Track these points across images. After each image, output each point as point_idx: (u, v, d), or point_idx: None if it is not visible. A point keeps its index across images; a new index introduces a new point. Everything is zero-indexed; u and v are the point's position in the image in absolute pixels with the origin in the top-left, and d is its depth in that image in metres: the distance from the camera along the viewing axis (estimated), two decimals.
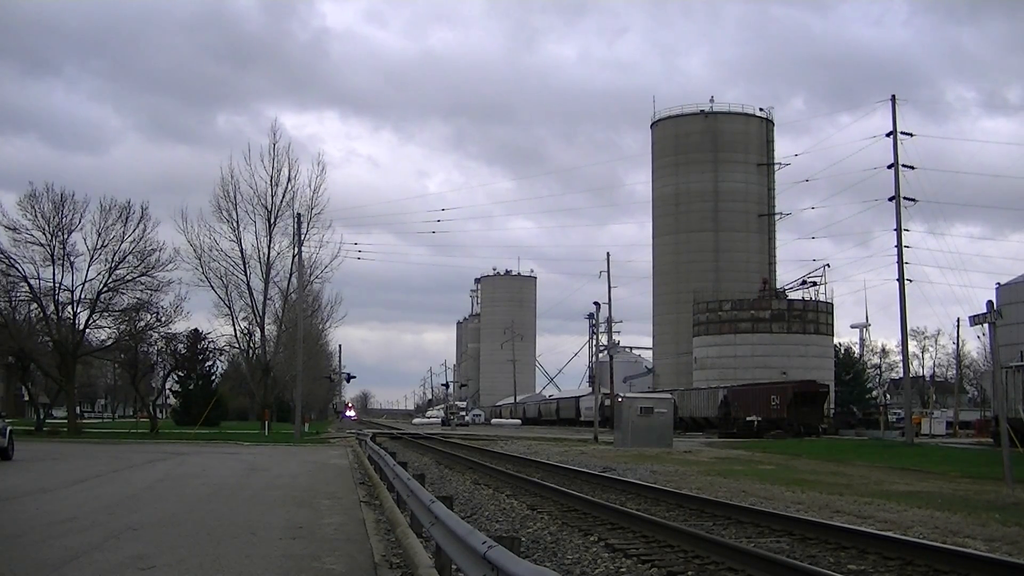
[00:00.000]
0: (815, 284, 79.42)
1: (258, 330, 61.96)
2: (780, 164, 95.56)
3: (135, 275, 50.60)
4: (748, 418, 57.66)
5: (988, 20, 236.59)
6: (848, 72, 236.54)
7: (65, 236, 49.07)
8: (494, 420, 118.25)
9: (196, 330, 72.13)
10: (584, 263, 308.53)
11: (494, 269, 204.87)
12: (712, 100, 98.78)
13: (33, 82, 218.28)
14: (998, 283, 54.40)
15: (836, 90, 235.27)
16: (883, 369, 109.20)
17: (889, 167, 48.45)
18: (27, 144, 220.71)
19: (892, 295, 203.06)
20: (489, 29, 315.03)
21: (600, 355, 74.46)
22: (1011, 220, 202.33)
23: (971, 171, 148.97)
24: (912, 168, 48.46)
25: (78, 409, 66.40)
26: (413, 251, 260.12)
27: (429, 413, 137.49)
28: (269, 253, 59.34)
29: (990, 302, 23.09)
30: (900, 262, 47.99)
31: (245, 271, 59.40)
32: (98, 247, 49.69)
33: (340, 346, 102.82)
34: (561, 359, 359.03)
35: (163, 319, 53.28)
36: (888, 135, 48.57)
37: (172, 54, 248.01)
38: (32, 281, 49.74)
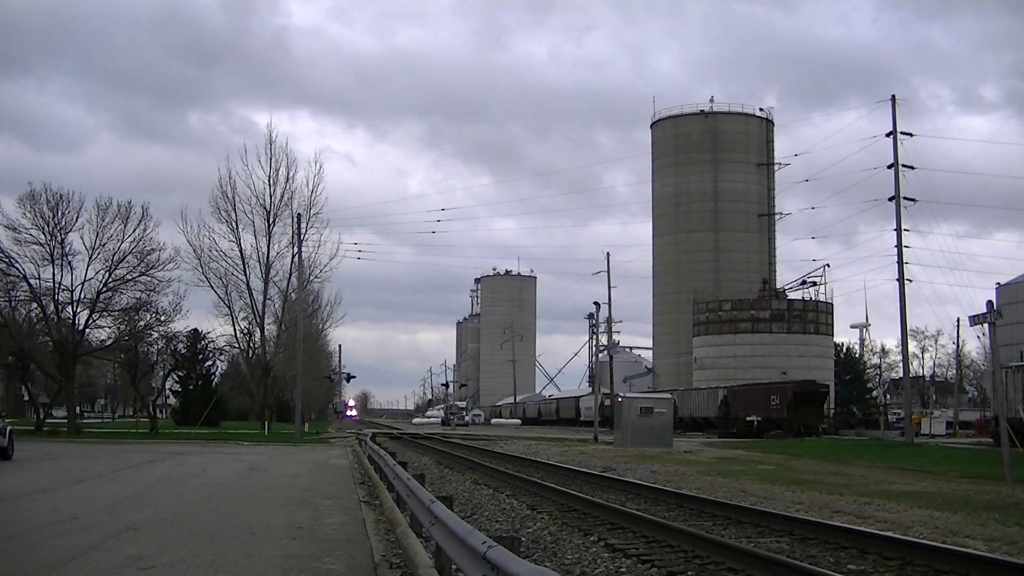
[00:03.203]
0: (815, 284, 79.50)
1: (258, 330, 62.06)
2: (780, 164, 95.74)
3: (135, 275, 50.62)
4: (748, 418, 57.65)
5: (957, 17, 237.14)
6: (819, 70, 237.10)
7: (63, 236, 49.12)
8: (494, 420, 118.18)
9: (196, 330, 72.14)
10: (569, 263, 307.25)
11: (494, 269, 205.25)
12: (712, 100, 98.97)
13: (6, 82, 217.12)
14: (998, 283, 54.44)
15: (809, 88, 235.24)
16: (883, 369, 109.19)
17: (889, 167, 48.45)
18: (5, 144, 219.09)
19: (881, 294, 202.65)
20: (457, 27, 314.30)
21: (600, 355, 74.44)
22: (996, 218, 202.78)
23: (950, 169, 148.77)
24: (912, 168, 48.50)
25: (78, 409, 66.36)
26: (402, 251, 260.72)
27: (429, 413, 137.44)
28: (268, 253, 59.43)
29: (990, 302, 23.08)
30: (900, 262, 47.99)
31: (244, 271, 59.49)
32: (96, 247, 49.75)
33: (340, 346, 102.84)
34: (552, 359, 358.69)
35: (163, 319, 53.34)
36: (888, 135, 48.58)
37: (138, 53, 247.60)
38: (32, 281, 49.79)
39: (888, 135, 48.54)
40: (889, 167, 48.41)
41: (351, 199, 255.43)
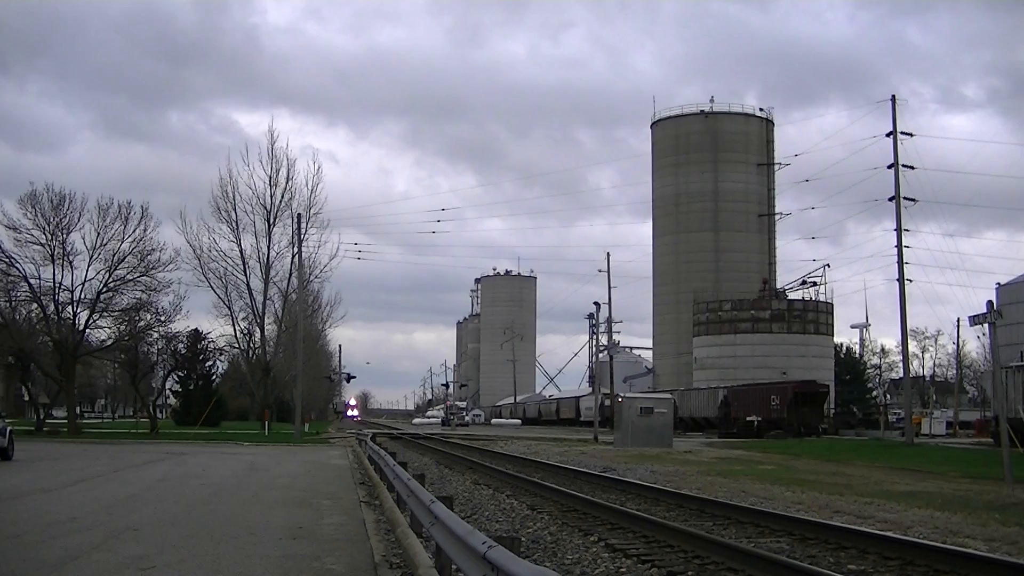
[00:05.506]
0: (815, 284, 79.55)
1: (258, 330, 62.07)
2: (780, 164, 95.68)
3: (135, 275, 50.63)
4: (748, 418, 57.65)
5: (933, 13, 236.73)
6: (799, 69, 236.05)
7: (64, 236, 49.13)
8: (494, 420, 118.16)
9: (196, 330, 72.15)
10: (560, 263, 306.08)
11: (494, 269, 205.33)
12: (712, 100, 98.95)
13: None
14: (998, 283, 54.47)
15: (790, 87, 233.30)
16: (883, 369, 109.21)
17: (889, 167, 48.45)
18: None
19: (875, 295, 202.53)
20: (433, 25, 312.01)
21: (600, 355, 74.45)
22: (986, 218, 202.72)
23: (939, 168, 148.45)
24: (912, 168, 48.48)
25: (78, 409, 66.38)
26: (392, 251, 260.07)
27: (429, 413, 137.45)
28: (268, 253, 59.43)
29: (990, 302, 23.09)
30: (900, 262, 47.97)
31: (245, 271, 59.50)
32: (97, 247, 49.77)
33: (340, 346, 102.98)
34: (551, 359, 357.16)
35: (163, 319, 53.36)
36: (888, 135, 48.59)
37: (111, 52, 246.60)
38: (32, 281, 49.82)
39: (888, 135, 48.55)
40: (889, 167, 48.40)
41: (336, 198, 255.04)
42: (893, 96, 48.77)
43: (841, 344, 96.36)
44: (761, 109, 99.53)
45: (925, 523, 15.04)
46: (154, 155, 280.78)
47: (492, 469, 25.89)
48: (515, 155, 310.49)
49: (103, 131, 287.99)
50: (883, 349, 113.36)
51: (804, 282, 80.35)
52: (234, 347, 66.75)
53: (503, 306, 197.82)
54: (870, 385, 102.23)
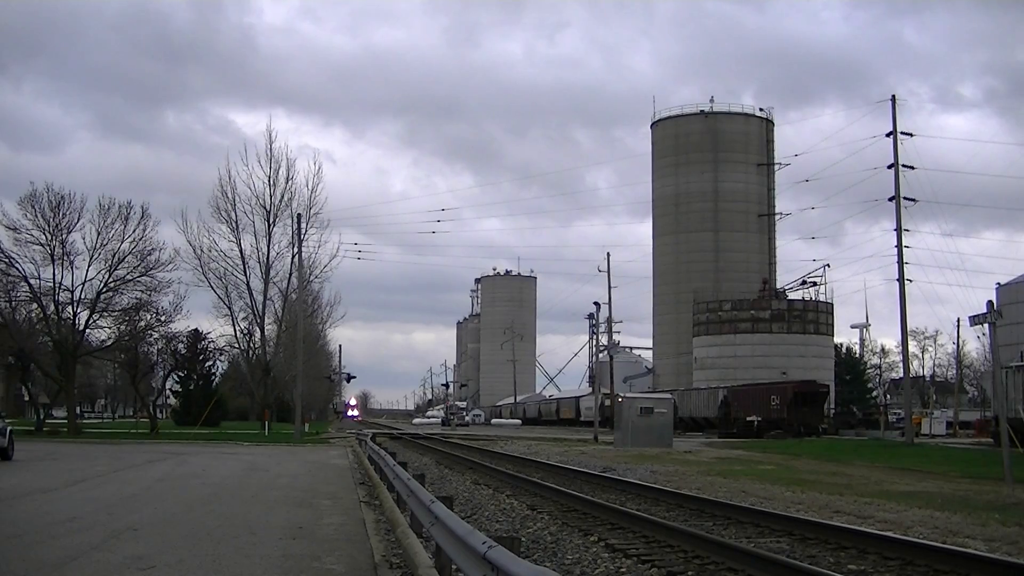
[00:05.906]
0: (815, 284, 79.57)
1: (258, 330, 62.04)
2: (780, 164, 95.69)
3: (135, 275, 50.61)
4: (748, 418, 57.65)
5: (930, 13, 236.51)
6: (795, 68, 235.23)
7: (64, 236, 49.11)
8: (494, 420, 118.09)
9: (196, 330, 72.14)
10: (558, 263, 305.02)
11: (494, 269, 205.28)
12: (712, 100, 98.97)
13: None
14: (998, 283, 54.43)
15: (786, 87, 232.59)
16: (883, 369, 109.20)
17: (889, 167, 48.49)
18: None
19: (873, 295, 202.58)
20: (429, 25, 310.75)
21: (600, 355, 74.46)
22: (984, 217, 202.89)
23: (938, 168, 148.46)
24: (912, 168, 48.49)
25: (78, 409, 66.38)
26: (390, 251, 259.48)
27: (429, 413, 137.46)
28: (268, 253, 59.39)
29: (990, 302, 23.09)
30: (900, 262, 47.98)
31: (244, 271, 59.44)
32: (97, 247, 49.75)
33: (340, 346, 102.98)
34: (551, 359, 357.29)
35: (163, 319, 53.36)
36: (888, 135, 48.62)
37: (108, 52, 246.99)
38: (32, 281, 49.80)
39: (888, 135, 48.57)
40: (889, 167, 48.43)
41: (333, 198, 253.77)
42: (893, 96, 48.86)
43: (841, 344, 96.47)
44: (761, 109, 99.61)
45: (925, 523, 15.04)
46: (151, 155, 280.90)
47: (492, 469, 25.89)
48: (513, 155, 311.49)
49: (100, 131, 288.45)
50: (883, 349, 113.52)
51: (804, 282, 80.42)
52: (234, 347, 66.76)
53: (503, 306, 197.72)
54: (870, 385, 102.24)
